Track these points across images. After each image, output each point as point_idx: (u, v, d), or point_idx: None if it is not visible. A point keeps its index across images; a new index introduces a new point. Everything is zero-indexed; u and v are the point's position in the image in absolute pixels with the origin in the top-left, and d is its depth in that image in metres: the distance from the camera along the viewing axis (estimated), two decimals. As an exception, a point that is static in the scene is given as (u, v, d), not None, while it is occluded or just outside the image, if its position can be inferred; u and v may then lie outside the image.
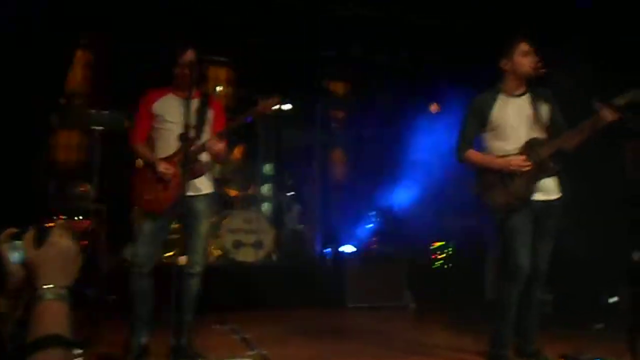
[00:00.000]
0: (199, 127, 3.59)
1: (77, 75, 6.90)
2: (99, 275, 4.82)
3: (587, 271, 5.10)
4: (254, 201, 6.94)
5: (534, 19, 5.44)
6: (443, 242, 7.04)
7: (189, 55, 3.53)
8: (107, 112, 6.08)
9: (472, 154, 3.60)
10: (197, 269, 3.60)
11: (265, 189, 7.84)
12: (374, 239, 7.06)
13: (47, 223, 1.18)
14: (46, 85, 5.31)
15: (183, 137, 3.36)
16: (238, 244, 6.03)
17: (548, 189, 3.48)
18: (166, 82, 3.66)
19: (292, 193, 7.37)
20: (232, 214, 6.23)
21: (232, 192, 6.65)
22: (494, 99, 3.57)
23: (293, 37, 6.93)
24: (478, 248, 6.00)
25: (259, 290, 5.58)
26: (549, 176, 3.46)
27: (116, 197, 5.03)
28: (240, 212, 6.30)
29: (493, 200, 3.48)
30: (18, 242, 1.14)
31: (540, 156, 3.41)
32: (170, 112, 3.56)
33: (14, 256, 1.14)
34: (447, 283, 6.31)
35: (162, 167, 3.50)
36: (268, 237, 6.20)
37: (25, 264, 1.13)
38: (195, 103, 3.55)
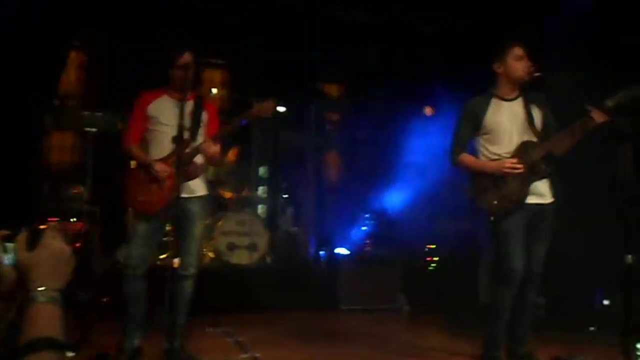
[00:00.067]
0: (194, 130, 3.58)
1: (70, 77, 6.87)
2: (92, 277, 4.79)
3: (580, 274, 5.12)
4: (248, 203, 6.92)
5: (530, 20, 5.47)
6: (434, 245, 7.05)
7: (186, 57, 3.53)
8: (100, 113, 6.07)
9: (466, 158, 3.61)
10: (191, 271, 3.60)
11: (260, 191, 7.83)
12: (368, 241, 7.06)
13: (40, 225, 1.17)
14: (40, 86, 5.28)
15: (177, 139, 3.35)
16: (232, 247, 6.02)
17: (542, 192, 3.49)
18: (160, 84, 3.65)
19: (287, 195, 7.37)
20: (226, 216, 6.22)
21: (226, 194, 6.64)
22: (487, 103, 3.58)
23: (287, 40, 6.94)
24: (472, 251, 6.01)
25: (253, 293, 5.57)
26: (541, 178, 3.48)
27: (109, 199, 5.01)
28: (234, 215, 6.28)
29: (487, 204, 3.49)
30: (10, 244, 1.14)
31: (532, 158, 3.43)
32: (165, 114, 3.56)
33: (6, 258, 1.13)
34: (441, 286, 6.31)
35: (158, 167, 3.49)
36: (262, 240, 6.19)
37: (18, 266, 1.13)
38: (189, 105, 3.55)
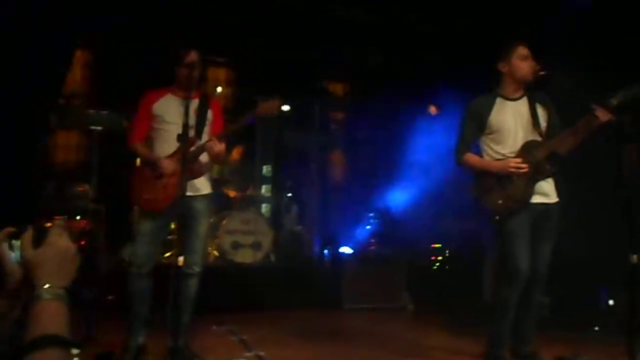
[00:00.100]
0: (199, 128, 3.59)
1: (76, 76, 6.89)
2: (97, 275, 4.81)
3: (584, 273, 5.11)
4: (253, 202, 6.93)
5: (530, 20, 5.45)
6: (439, 245, 7.04)
7: (192, 55, 3.54)
8: (105, 112, 6.07)
9: (471, 157, 3.61)
10: (196, 269, 3.61)
11: (264, 190, 7.84)
12: (372, 240, 7.06)
13: (46, 223, 1.18)
14: (45, 85, 5.30)
15: (182, 138, 3.36)
16: (236, 245, 6.03)
17: (546, 192, 3.49)
18: (165, 83, 3.66)
19: (291, 194, 7.37)
20: (231, 214, 6.23)
21: (231, 193, 6.65)
22: (491, 103, 3.58)
23: (292, 38, 6.93)
24: (476, 251, 6.00)
25: (257, 292, 5.57)
26: (545, 178, 3.47)
27: (115, 197, 5.02)
28: (239, 213, 6.29)
29: (492, 203, 3.49)
30: (16, 242, 1.14)
31: (536, 158, 3.42)
32: (170, 113, 3.57)
33: (12, 256, 1.14)
34: (445, 285, 6.31)
35: (164, 163, 3.50)
36: (266, 238, 6.20)
37: (23, 264, 1.14)
38: (194, 103, 3.55)
